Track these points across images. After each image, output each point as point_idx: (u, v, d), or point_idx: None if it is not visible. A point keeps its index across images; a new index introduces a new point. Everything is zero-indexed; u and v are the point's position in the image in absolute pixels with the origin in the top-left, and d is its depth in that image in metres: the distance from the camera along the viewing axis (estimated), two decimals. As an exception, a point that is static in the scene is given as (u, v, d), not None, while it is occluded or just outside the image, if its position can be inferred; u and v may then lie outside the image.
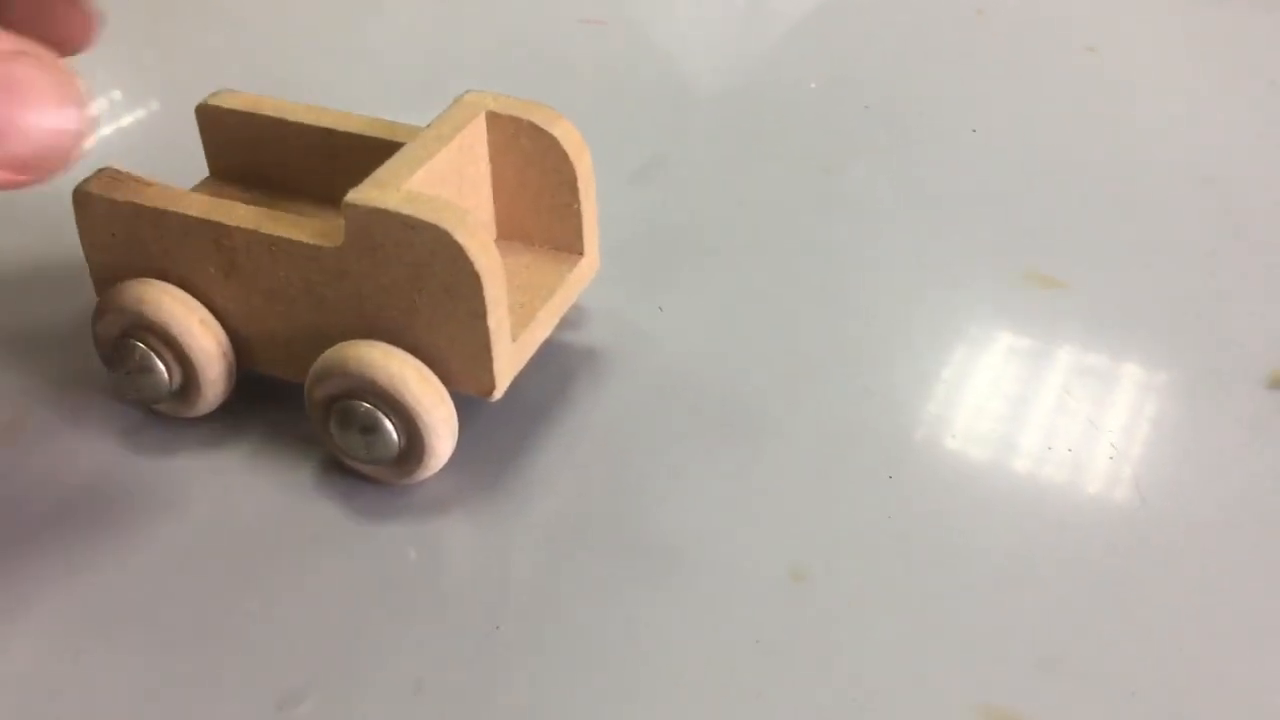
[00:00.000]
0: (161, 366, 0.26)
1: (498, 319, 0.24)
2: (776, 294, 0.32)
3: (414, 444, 0.25)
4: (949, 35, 0.45)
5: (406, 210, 0.23)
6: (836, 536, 0.26)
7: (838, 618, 0.24)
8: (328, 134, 0.28)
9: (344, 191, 0.24)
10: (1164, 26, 0.46)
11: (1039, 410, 0.29)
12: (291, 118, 0.28)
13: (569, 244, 0.28)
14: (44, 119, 0.20)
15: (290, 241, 0.25)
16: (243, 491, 0.26)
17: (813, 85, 0.41)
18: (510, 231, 0.29)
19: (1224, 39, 0.46)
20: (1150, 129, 0.40)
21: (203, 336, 0.26)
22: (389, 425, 0.24)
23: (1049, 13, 0.46)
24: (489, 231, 0.28)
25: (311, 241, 0.25)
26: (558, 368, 0.29)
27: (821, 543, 0.25)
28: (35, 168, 0.20)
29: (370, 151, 0.27)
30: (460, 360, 0.25)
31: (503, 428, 0.28)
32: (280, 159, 0.28)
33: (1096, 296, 0.32)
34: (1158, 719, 0.22)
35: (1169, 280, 0.33)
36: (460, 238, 0.23)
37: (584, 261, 0.28)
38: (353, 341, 0.25)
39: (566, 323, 0.30)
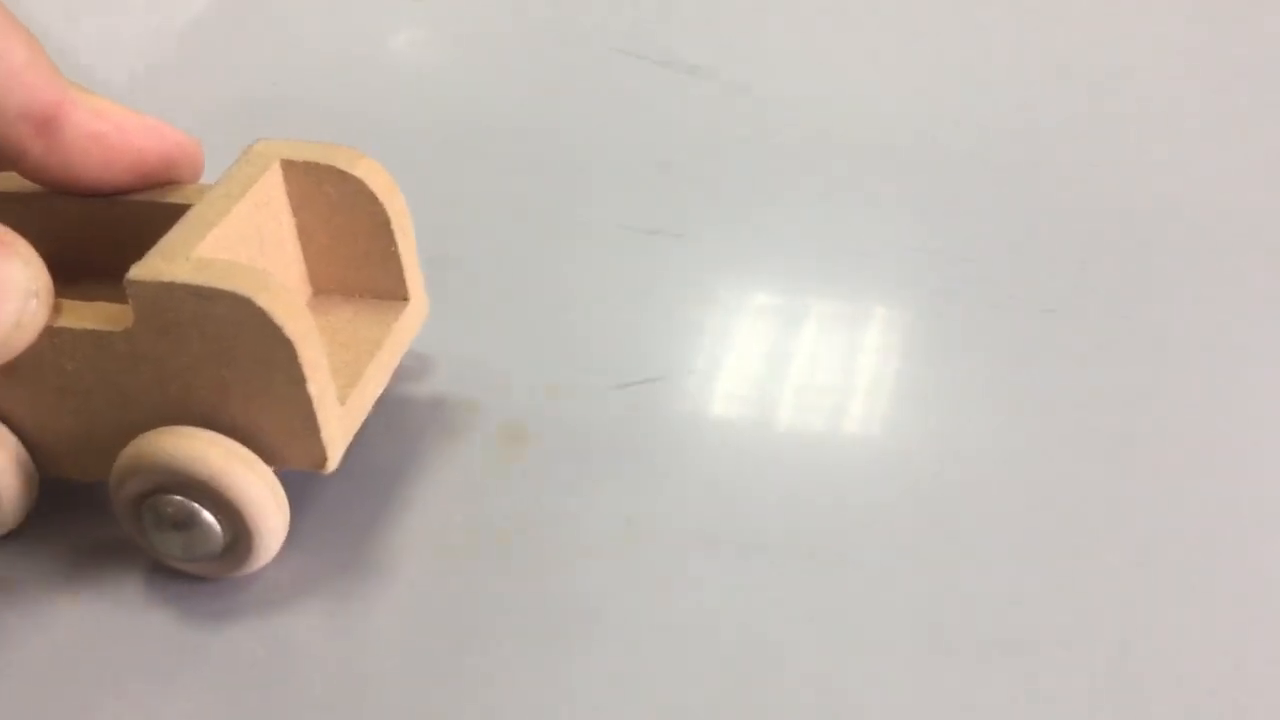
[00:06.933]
0: (-52, 488, 0.23)
1: (319, 384, 0.22)
2: (571, 306, 0.31)
3: (238, 530, 0.22)
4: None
5: (198, 280, 0.21)
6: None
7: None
8: (106, 204, 0.25)
9: (126, 264, 0.22)
10: None
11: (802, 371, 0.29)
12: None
13: (391, 290, 0.26)
14: (5, 312, 0.21)
15: (71, 331, 0.22)
16: (61, 616, 0.23)
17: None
18: (327, 285, 0.26)
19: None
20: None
21: (-9, 449, 0.23)
22: (206, 516, 0.22)
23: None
24: (298, 290, 0.26)
25: (96, 328, 0.22)
26: (403, 423, 0.27)
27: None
28: None
29: (155, 216, 0.25)
30: (284, 435, 0.22)
31: (351, 499, 0.25)
32: (56, 238, 0.25)
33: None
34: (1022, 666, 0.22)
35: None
36: (263, 302, 0.21)
37: (411, 307, 0.26)
38: (149, 432, 0.22)
39: (405, 373, 0.28)
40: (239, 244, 0.24)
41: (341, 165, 0.25)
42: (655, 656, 0.22)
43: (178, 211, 0.24)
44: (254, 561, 0.23)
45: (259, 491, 0.22)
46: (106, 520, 0.24)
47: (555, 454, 0.26)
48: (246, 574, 0.23)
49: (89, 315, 0.22)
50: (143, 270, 0.21)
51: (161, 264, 0.22)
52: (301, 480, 0.24)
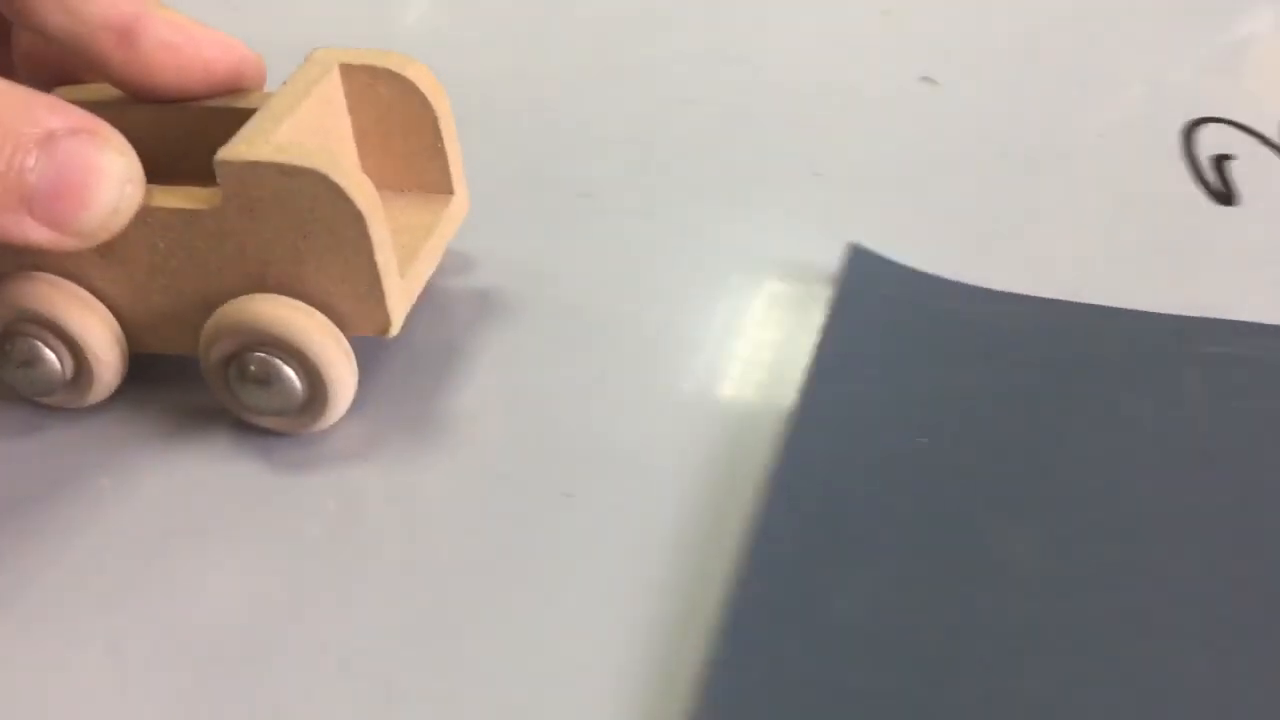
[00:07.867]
0: (52, 356, 0.26)
1: (384, 255, 0.25)
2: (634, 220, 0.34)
3: (315, 385, 0.25)
4: None
5: (281, 159, 0.24)
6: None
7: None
8: (179, 110, 0.28)
9: (199, 164, 0.24)
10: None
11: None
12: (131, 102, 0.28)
13: (437, 185, 0.29)
14: (105, 197, 0.23)
15: (167, 210, 0.25)
16: (157, 469, 0.26)
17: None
18: (378, 180, 0.29)
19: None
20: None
21: (93, 322, 0.26)
22: (288, 371, 0.25)
23: None
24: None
25: (188, 206, 0.25)
26: (451, 311, 0.30)
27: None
28: (90, 237, 0.23)
29: (216, 122, 0.27)
30: (352, 301, 0.25)
31: (410, 372, 0.28)
32: (136, 140, 0.28)
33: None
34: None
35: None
36: (338, 179, 0.24)
37: (455, 199, 0.29)
38: (236, 299, 0.25)
39: (450, 268, 0.31)
40: (308, 136, 0.26)
41: (395, 68, 0.28)
42: (676, 495, 0.25)
43: (245, 115, 0.27)
44: (329, 415, 0.26)
45: (333, 349, 0.25)
46: (192, 389, 0.27)
47: (586, 335, 0.29)
48: (321, 429, 0.26)
49: (180, 197, 0.25)
50: (230, 152, 0.24)
51: (246, 147, 0.24)
52: (368, 353, 0.26)
